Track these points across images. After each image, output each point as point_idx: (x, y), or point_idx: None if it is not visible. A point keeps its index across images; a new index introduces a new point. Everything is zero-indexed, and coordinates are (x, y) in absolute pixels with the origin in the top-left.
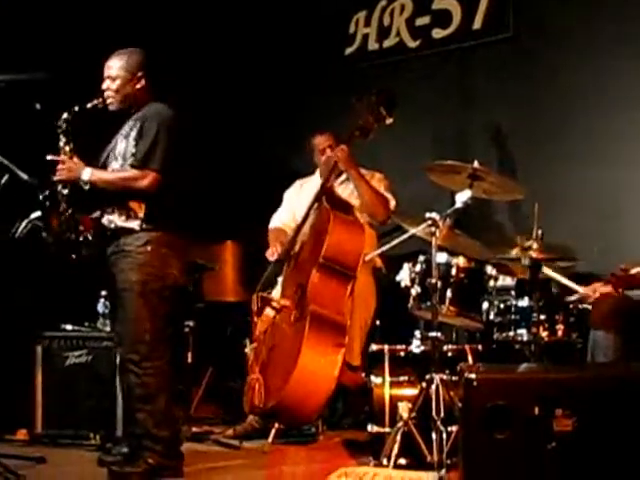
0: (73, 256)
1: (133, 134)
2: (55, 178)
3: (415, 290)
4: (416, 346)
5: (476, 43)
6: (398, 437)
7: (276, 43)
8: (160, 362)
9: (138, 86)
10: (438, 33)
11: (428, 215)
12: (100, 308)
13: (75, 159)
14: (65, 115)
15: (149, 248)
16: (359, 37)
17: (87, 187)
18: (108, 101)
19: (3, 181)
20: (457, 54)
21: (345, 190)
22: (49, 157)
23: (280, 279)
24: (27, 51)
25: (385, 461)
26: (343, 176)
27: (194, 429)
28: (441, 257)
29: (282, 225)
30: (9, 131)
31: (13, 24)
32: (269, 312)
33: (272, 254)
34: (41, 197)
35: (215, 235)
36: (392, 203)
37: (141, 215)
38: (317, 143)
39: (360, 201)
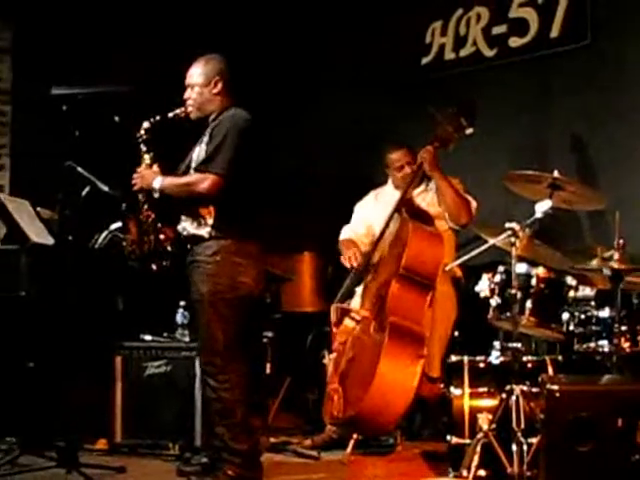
0: (154, 266)
1: (205, 139)
2: (133, 188)
3: (495, 301)
4: (495, 357)
5: (554, 51)
6: (478, 448)
7: (353, 53)
8: (236, 375)
9: (215, 91)
10: (515, 42)
11: (508, 225)
12: (179, 318)
13: (154, 168)
14: (146, 124)
15: (218, 258)
16: (435, 47)
17: (157, 195)
18: (189, 110)
19: (84, 193)
20: (534, 63)
21: (423, 201)
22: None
23: (358, 290)
24: (108, 63)
25: (465, 472)
26: (421, 187)
27: (272, 440)
28: (521, 267)
29: (354, 236)
30: (90, 143)
31: (93, 37)
32: (348, 323)
33: (348, 260)
34: (123, 207)
35: (293, 246)
36: (473, 204)
37: (210, 222)
38: (394, 159)
39: (443, 204)
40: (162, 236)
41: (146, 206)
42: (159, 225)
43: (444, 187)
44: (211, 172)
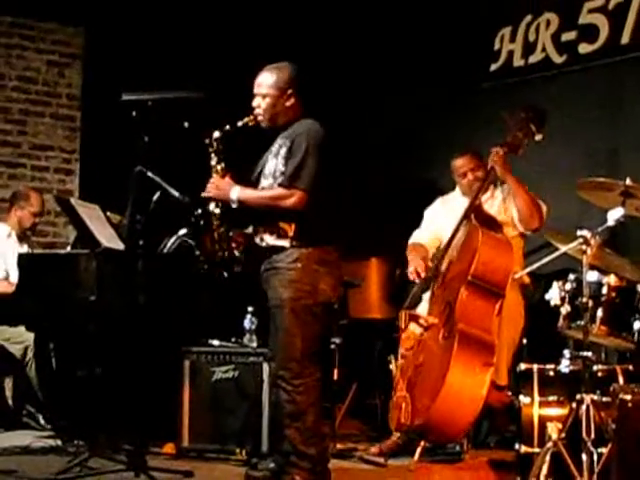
0: (225, 273)
1: (283, 152)
2: (205, 196)
3: (565, 309)
4: (565, 366)
5: (624, 58)
6: (547, 458)
7: (422, 59)
8: (310, 379)
9: (288, 103)
10: (585, 48)
11: (580, 233)
12: (247, 324)
13: (227, 178)
14: (216, 134)
15: (299, 265)
16: (504, 53)
17: (235, 206)
18: (259, 118)
19: (155, 198)
20: (604, 69)
21: (490, 208)
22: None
23: (426, 296)
24: (177, 69)
25: None
26: (487, 194)
27: (339, 446)
28: (592, 276)
29: (423, 242)
30: (160, 149)
31: (163, 43)
32: (416, 329)
33: (413, 274)
34: (194, 215)
35: (360, 252)
36: (544, 208)
37: (291, 234)
38: (458, 166)
39: (515, 207)
40: (233, 244)
41: (218, 215)
42: (230, 233)
43: (517, 189)
44: (297, 188)
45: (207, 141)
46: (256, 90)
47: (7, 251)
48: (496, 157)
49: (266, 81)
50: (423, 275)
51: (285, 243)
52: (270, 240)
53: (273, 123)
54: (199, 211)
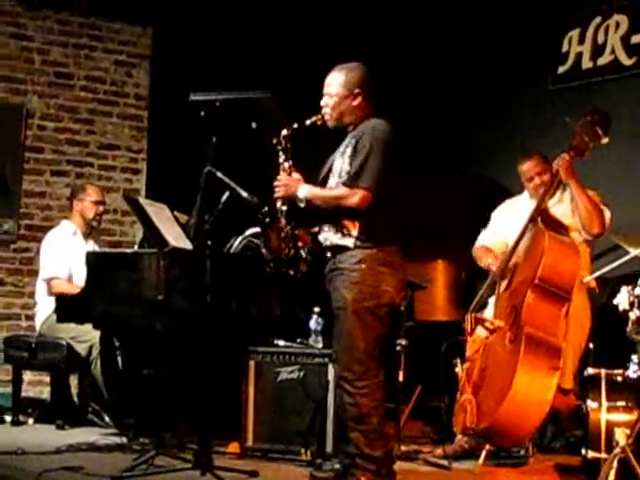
0: (291, 272)
1: (348, 151)
2: (275, 195)
3: (634, 314)
4: (633, 371)
5: None
6: (615, 464)
7: (490, 61)
8: (374, 382)
9: (355, 103)
10: None
11: None
12: (313, 325)
13: (294, 175)
14: (284, 132)
15: (363, 266)
16: (572, 55)
17: (302, 204)
18: (326, 117)
19: (224, 198)
20: None
21: (557, 212)
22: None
23: (491, 299)
24: (245, 69)
25: None
26: (555, 197)
27: (403, 448)
28: None
29: (490, 244)
30: (228, 149)
31: (231, 43)
32: (481, 332)
33: (489, 265)
34: (261, 214)
35: (427, 254)
36: (607, 215)
37: (355, 233)
38: (525, 170)
39: (577, 212)
40: (300, 243)
41: (285, 213)
42: (297, 232)
43: (579, 194)
44: (360, 187)
45: (275, 139)
46: (325, 89)
47: (72, 250)
48: (561, 161)
49: (334, 81)
50: (494, 271)
51: (349, 242)
52: (334, 239)
53: (340, 122)
54: (265, 209)
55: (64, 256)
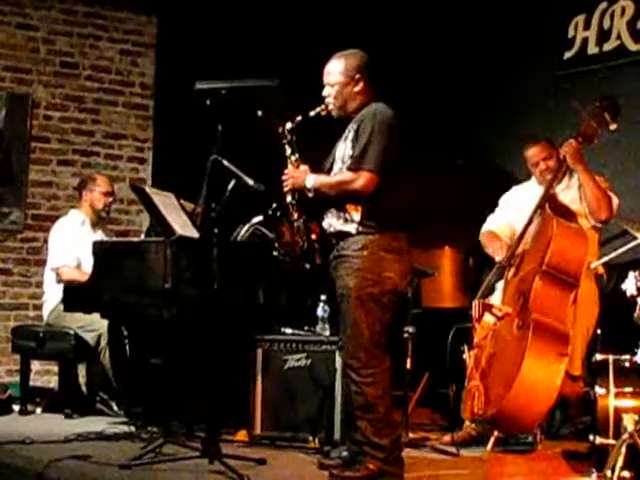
0: (307, 266)
1: (350, 136)
2: (284, 189)
3: None
4: None
5: None
6: (623, 449)
7: (495, 47)
8: (379, 369)
9: (356, 89)
10: None
11: None
12: (320, 312)
13: (302, 167)
14: (289, 125)
15: (365, 252)
16: (578, 41)
17: (311, 194)
18: (329, 107)
19: (230, 186)
20: None
21: (565, 198)
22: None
23: (499, 285)
24: (250, 57)
25: (609, 473)
26: (563, 184)
27: (411, 435)
28: None
29: (496, 229)
30: (234, 137)
31: (236, 31)
32: (489, 319)
33: (496, 252)
34: (271, 209)
35: (434, 241)
36: (615, 201)
37: (357, 219)
38: (530, 155)
39: (584, 197)
40: (313, 235)
41: (296, 206)
42: (309, 224)
43: (586, 180)
44: (364, 169)
45: (280, 132)
46: (325, 79)
47: (81, 239)
48: (568, 147)
49: (334, 69)
50: (504, 255)
51: (351, 228)
52: (337, 225)
53: (344, 111)
54: (274, 206)
55: (73, 244)
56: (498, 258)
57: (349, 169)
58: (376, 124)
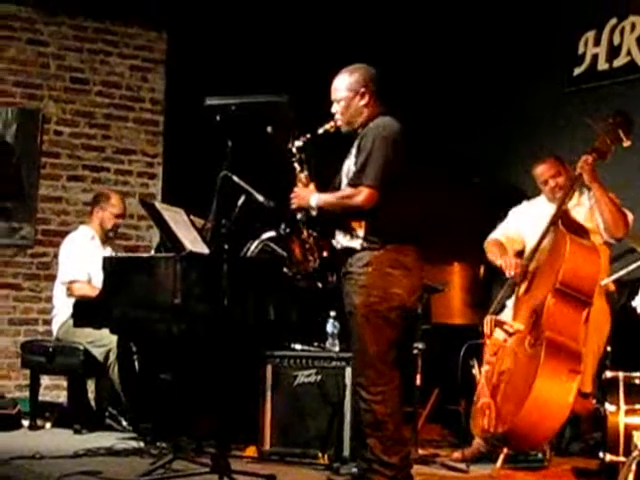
0: (319, 284)
1: (354, 152)
2: (291, 208)
3: None
4: None
5: None
6: (633, 466)
7: (505, 63)
8: (388, 387)
9: (362, 102)
10: None
11: None
12: (329, 328)
13: (311, 186)
14: (298, 143)
15: (370, 269)
16: (588, 57)
17: (314, 213)
18: (338, 123)
19: (240, 202)
20: None
21: (577, 214)
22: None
23: (510, 302)
24: (260, 73)
25: None
26: (574, 200)
27: (420, 451)
28: None
29: (502, 238)
30: (244, 153)
31: (246, 47)
32: (499, 335)
33: (509, 268)
34: (281, 228)
35: (443, 257)
36: (630, 218)
37: (361, 234)
38: (539, 174)
39: (600, 216)
40: (325, 253)
41: (306, 224)
42: (320, 242)
43: (602, 199)
44: (364, 184)
45: (289, 149)
46: (332, 96)
47: (90, 254)
48: (584, 164)
49: (340, 85)
50: (513, 275)
51: (356, 244)
52: (344, 241)
53: (351, 126)
54: (285, 224)
55: (83, 259)
56: (508, 273)
57: (349, 185)
58: (377, 139)
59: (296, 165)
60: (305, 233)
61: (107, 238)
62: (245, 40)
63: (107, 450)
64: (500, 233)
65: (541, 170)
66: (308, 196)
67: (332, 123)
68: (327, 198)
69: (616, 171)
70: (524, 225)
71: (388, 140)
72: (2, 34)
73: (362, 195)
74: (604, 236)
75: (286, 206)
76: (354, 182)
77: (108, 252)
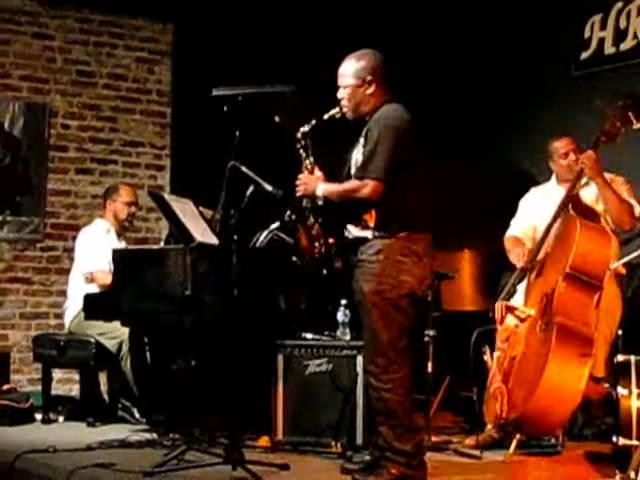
0: (325, 271)
1: (361, 142)
2: (296, 194)
3: None
4: None
5: None
6: None
7: (511, 48)
8: (399, 375)
9: (369, 91)
10: None
11: None
12: (340, 317)
13: (316, 172)
14: (303, 129)
15: (381, 257)
16: (595, 41)
17: (320, 202)
18: (344, 110)
19: (249, 192)
20: None
21: (585, 195)
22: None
23: (520, 288)
24: (267, 63)
25: (632, 474)
26: (583, 180)
27: (433, 438)
28: None
29: (520, 234)
30: (252, 143)
31: (252, 37)
32: (510, 321)
33: (518, 258)
34: (287, 215)
35: (453, 243)
36: (637, 209)
37: (372, 224)
38: (558, 147)
39: (606, 210)
40: (330, 240)
41: (312, 212)
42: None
43: (606, 194)
44: (369, 177)
45: (295, 137)
46: (339, 82)
47: (107, 246)
48: (586, 159)
49: (346, 71)
50: (523, 263)
51: (368, 234)
52: (355, 232)
53: (357, 113)
54: (291, 211)
55: (102, 250)
56: (519, 264)
57: (355, 177)
58: (383, 129)
59: (301, 151)
60: (311, 219)
61: (124, 229)
62: (251, 30)
63: (120, 442)
64: (517, 229)
65: (562, 143)
66: (314, 184)
67: (338, 109)
68: (333, 189)
69: (627, 153)
70: (535, 211)
71: (395, 129)
72: (8, 28)
73: (367, 188)
74: (611, 226)
75: (293, 194)
76: (360, 174)
77: (123, 245)
